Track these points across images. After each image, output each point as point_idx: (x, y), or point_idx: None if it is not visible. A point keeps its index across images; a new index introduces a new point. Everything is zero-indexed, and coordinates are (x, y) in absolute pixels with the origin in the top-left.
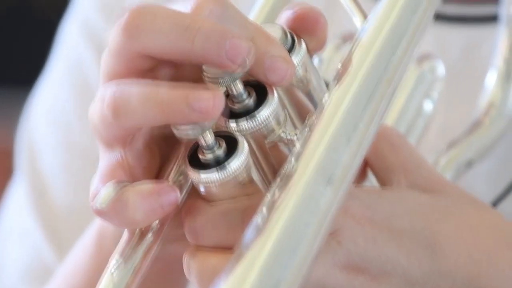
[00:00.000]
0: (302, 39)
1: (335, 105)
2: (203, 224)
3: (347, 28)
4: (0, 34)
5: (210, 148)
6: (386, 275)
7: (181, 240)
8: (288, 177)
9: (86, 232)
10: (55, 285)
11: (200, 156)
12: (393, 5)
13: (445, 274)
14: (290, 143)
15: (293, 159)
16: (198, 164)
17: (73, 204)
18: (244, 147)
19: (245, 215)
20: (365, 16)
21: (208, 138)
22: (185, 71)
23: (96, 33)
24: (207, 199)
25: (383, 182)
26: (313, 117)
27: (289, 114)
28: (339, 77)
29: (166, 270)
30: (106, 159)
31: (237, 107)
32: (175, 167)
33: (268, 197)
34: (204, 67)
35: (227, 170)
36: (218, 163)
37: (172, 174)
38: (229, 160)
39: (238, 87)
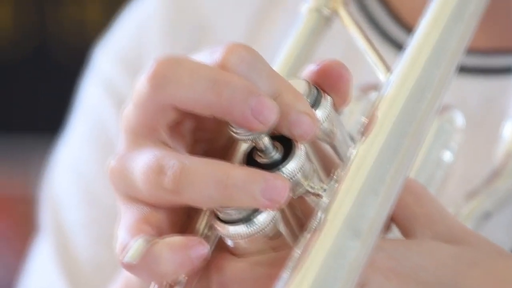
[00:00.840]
0: (326, 93)
1: (362, 159)
2: (230, 279)
3: (367, 79)
4: (14, 82)
5: None
6: None
7: None
8: (315, 231)
9: (111, 286)
10: None
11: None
12: (417, 58)
13: None
14: (317, 197)
15: (320, 213)
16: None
17: (97, 259)
18: None
19: (273, 270)
20: (388, 68)
21: None
22: (208, 124)
23: (117, 89)
24: (234, 253)
25: (407, 232)
26: (340, 171)
27: (315, 168)
28: (365, 130)
29: None
30: (130, 211)
31: (263, 161)
32: (202, 220)
33: (296, 251)
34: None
35: (255, 224)
36: (246, 218)
37: (199, 227)
38: (257, 214)
39: (266, 142)
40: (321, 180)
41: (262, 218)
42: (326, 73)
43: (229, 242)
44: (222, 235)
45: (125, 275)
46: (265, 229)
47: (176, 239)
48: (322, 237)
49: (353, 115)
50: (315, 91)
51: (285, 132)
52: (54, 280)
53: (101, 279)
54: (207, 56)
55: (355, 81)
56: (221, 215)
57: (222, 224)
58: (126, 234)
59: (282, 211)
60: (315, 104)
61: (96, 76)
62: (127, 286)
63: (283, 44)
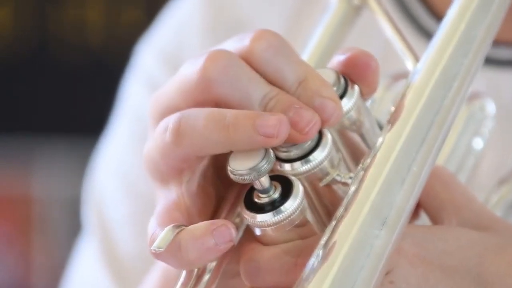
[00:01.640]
0: (354, 82)
1: (389, 148)
2: (258, 267)
3: (398, 68)
4: (14, 82)
5: (266, 192)
6: None
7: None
8: (343, 220)
9: (151, 275)
10: None
11: (256, 200)
12: (444, 47)
13: None
14: (344, 185)
15: (347, 202)
16: (253, 206)
17: (140, 253)
18: (299, 190)
19: (300, 258)
20: (416, 58)
21: (264, 182)
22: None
23: (159, 86)
24: (262, 242)
25: (435, 219)
26: (367, 160)
27: (343, 156)
28: (392, 119)
29: None
30: (162, 199)
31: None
32: (230, 209)
33: (323, 240)
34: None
35: (282, 213)
36: (274, 206)
37: (227, 216)
38: (285, 203)
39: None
40: (348, 169)
41: (290, 207)
42: (353, 63)
43: (257, 231)
44: (249, 224)
45: (163, 264)
46: (293, 218)
47: (199, 226)
48: (349, 225)
49: (383, 102)
50: (343, 80)
51: None
52: (100, 278)
53: (146, 273)
54: (237, 43)
55: (391, 70)
56: (232, 176)
57: (250, 213)
58: (156, 222)
59: (309, 199)
60: (343, 93)
61: (139, 73)
62: (165, 273)
63: (313, 33)
